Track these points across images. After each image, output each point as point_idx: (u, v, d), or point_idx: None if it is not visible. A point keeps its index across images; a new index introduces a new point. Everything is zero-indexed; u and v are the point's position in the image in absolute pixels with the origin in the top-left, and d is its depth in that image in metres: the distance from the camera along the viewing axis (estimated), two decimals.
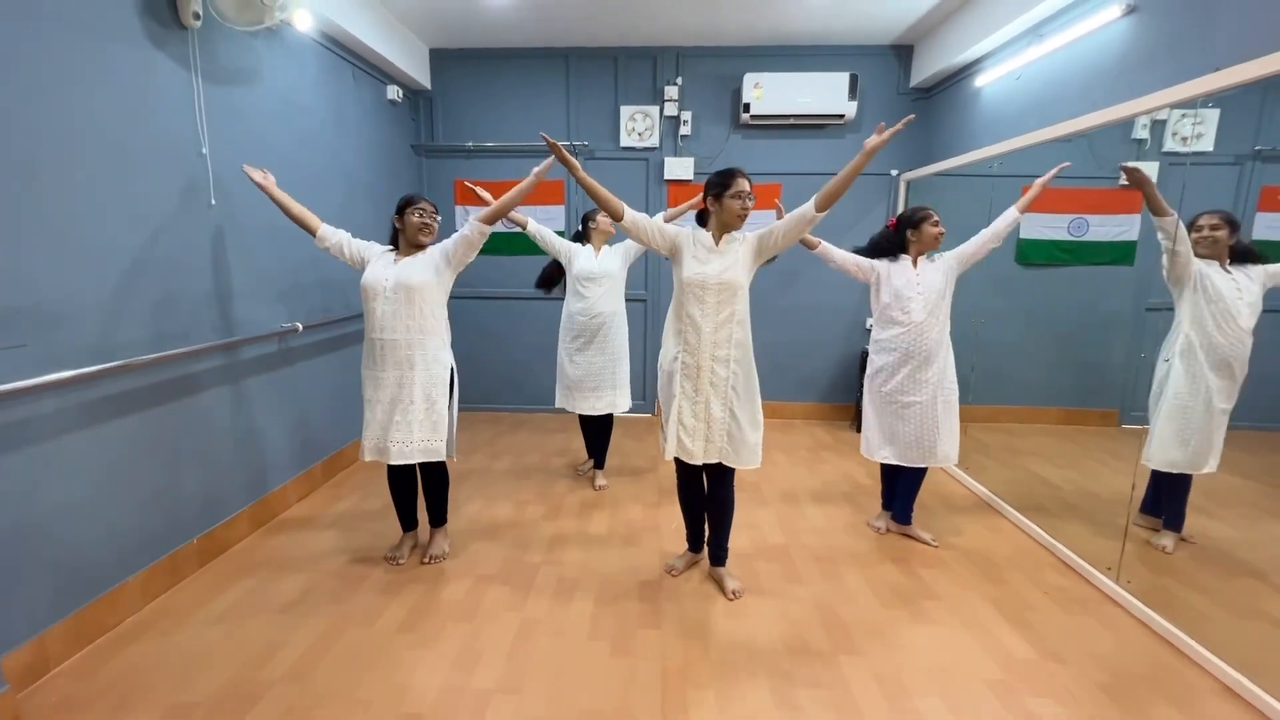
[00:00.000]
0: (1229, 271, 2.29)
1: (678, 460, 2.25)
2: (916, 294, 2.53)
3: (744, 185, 2.10)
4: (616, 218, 2.18)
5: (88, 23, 1.94)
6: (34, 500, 1.80)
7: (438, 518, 2.58)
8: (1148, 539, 2.51)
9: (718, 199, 2.12)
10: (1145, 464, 2.43)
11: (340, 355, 3.45)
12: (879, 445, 2.68)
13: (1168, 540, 2.47)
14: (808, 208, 2.05)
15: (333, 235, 2.41)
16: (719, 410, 2.15)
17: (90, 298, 1.96)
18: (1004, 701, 1.77)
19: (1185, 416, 2.34)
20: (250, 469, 2.75)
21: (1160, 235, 2.33)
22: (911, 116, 2.12)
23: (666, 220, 2.87)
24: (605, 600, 2.27)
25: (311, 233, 2.41)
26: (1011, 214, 2.61)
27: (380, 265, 2.32)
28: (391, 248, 2.40)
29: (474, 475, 3.50)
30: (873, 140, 1.95)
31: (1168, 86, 2.11)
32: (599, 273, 3.11)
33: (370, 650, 1.97)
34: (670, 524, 2.87)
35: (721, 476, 2.26)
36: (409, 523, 2.58)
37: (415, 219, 2.32)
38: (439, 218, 2.40)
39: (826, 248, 2.71)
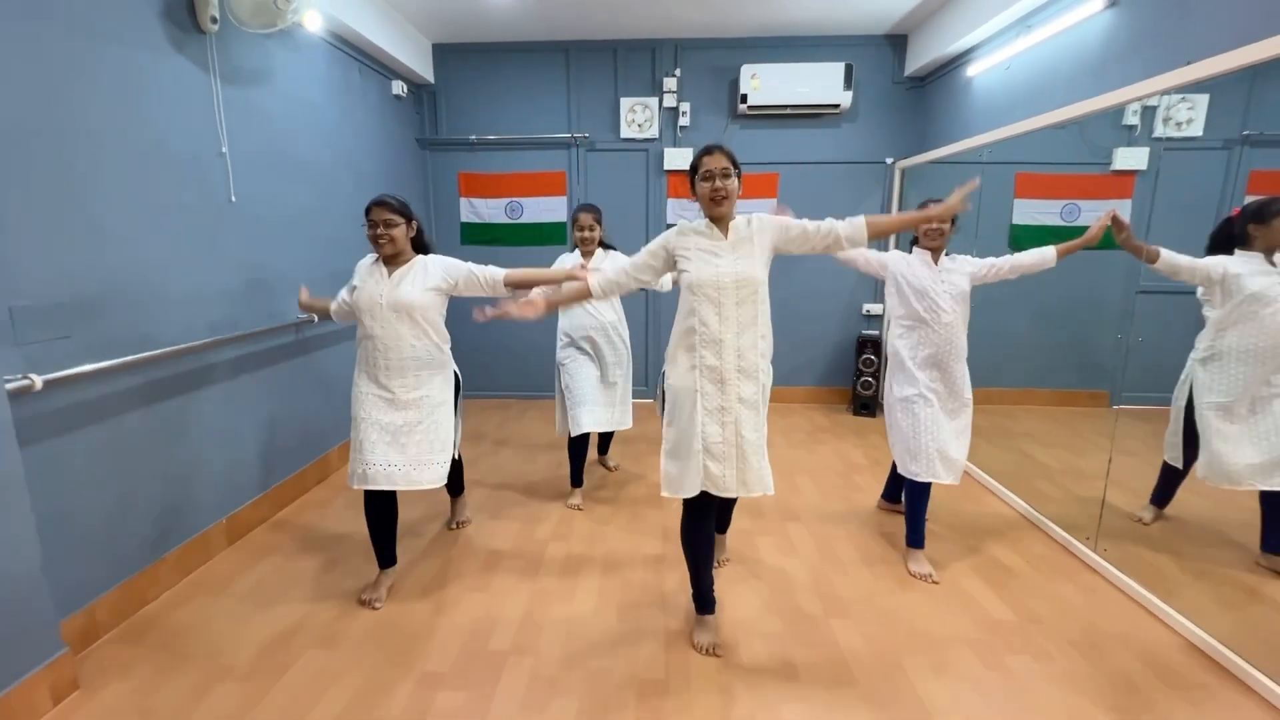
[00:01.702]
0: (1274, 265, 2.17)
1: (689, 500, 1.89)
2: (943, 292, 2.35)
3: (715, 163, 1.78)
4: (585, 297, 1.97)
5: (116, 31, 2.04)
6: (77, 481, 1.94)
7: (457, 489, 2.74)
8: (1130, 512, 2.62)
9: (693, 186, 1.87)
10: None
11: (351, 344, 3.56)
12: (938, 463, 2.35)
13: (1146, 513, 2.60)
14: (858, 229, 1.85)
15: (335, 307, 2.29)
16: (750, 432, 1.83)
17: (124, 291, 2.09)
18: (983, 658, 1.91)
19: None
20: (272, 453, 2.89)
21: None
22: (976, 181, 1.94)
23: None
24: (611, 572, 2.41)
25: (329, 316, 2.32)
26: (1049, 252, 2.46)
27: (371, 281, 2.11)
28: (376, 256, 2.16)
29: (483, 459, 3.64)
30: (946, 207, 1.92)
31: (1148, 77, 2.20)
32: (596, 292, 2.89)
33: (392, 619, 2.12)
34: (673, 501, 3.00)
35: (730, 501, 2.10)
36: (388, 558, 2.27)
37: (367, 233, 2.09)
38: (397, 224, 2.08)
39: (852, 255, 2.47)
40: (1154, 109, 2.99)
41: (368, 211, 2.08)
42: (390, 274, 2.12)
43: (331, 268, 3.34)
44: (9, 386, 1.62)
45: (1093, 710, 1.70)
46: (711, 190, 1.79)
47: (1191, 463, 2.42)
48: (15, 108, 1.73)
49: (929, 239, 2.37)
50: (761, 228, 1.86)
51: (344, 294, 2.25)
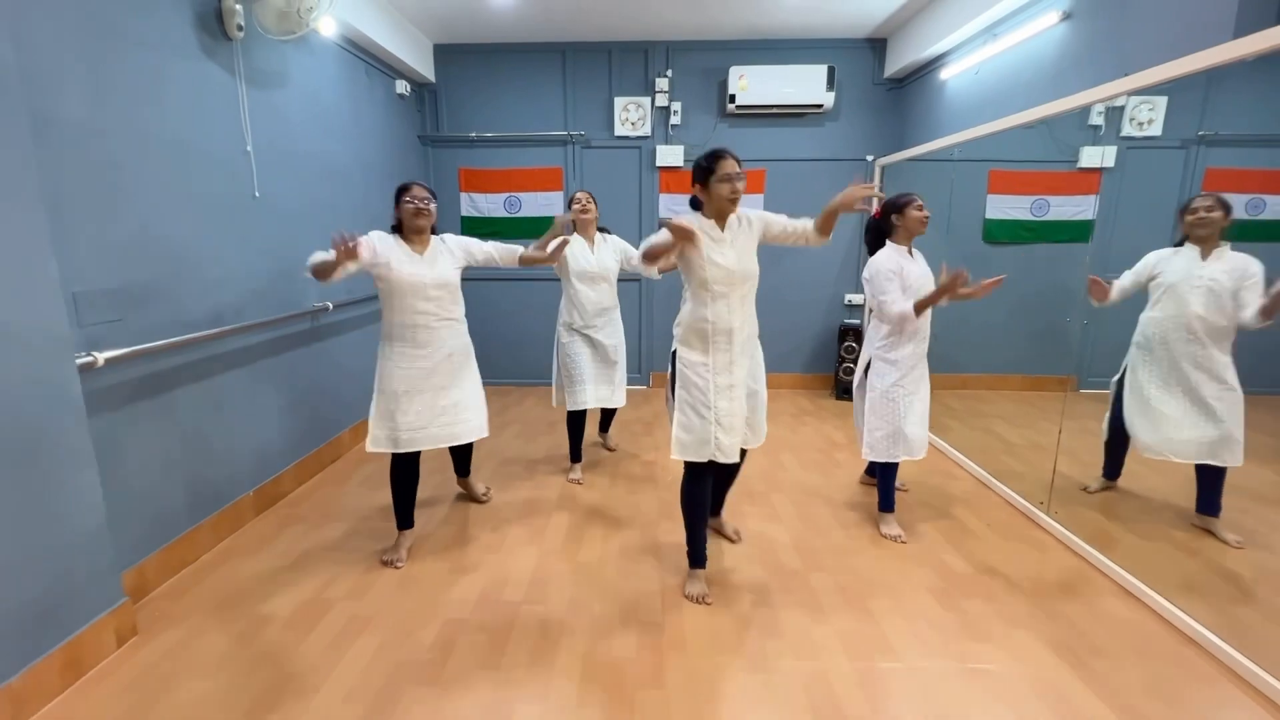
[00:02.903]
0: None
1: (691, 465, 2.14)
2: (924, 284, 2.50)
3: (731, 167, 1.99)
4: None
5: (156, 41, 2.23)
6: (128, 450, 2.14)
7: (467, 469, 2.95)
8: (1082, 482, 2.89)
9: (705, 186, 2.03)
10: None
11: (363, 331, 3.78)
12: (916, 440, 2.56)
13: (1094, 483, 2.86)
14: (814, 233, 2.13)
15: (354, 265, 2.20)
16: (740, 405, 2.13)
17: (165, 279, 2.28)
18: (941, 602, 2.16)
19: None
20: (293, 432, 3.09)
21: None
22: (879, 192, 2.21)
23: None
24: (611, 536, 2.64)
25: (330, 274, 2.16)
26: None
27: (406, 260, 2.27)
28: (395, 234, 2.34)
29: (487, 441, 3.83)
30: (850, 193, 2.03)
31: (1097, 83, 2.43)
32: (597, 271, 3.05)
33: (414, 576, 2.34)
34: (667, 475, 3.25)
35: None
36: (407, 520, 2.49)
37: (410, 207, 2.27)
38: (431, 203, 2.32)
39: None
40: (1119, 110, 3.25)
41: (406, 190, 2.29)
42: (422, 254, 2.33)
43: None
44: (77, 363, 1.82)
45: (1032, 642, 1.95)
46: (731, 190, 2.00)
47: (1120, 439, 2.69)
48: (75, 112, 1.92)
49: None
50: (750, 222, 2.11)
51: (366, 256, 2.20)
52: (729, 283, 2.04)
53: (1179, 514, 2.67)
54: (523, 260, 2.54)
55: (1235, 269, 2.32)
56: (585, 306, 3.07)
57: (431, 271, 2.32)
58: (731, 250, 2.05)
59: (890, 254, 2.52)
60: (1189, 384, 2.43)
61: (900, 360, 2.52)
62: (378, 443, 2.34)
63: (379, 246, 2.27)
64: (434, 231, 2.42)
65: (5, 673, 1.60)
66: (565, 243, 2.53)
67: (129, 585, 2.08)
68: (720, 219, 2.07)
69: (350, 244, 2.03)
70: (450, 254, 2.41)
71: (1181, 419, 2.44)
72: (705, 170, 2.03)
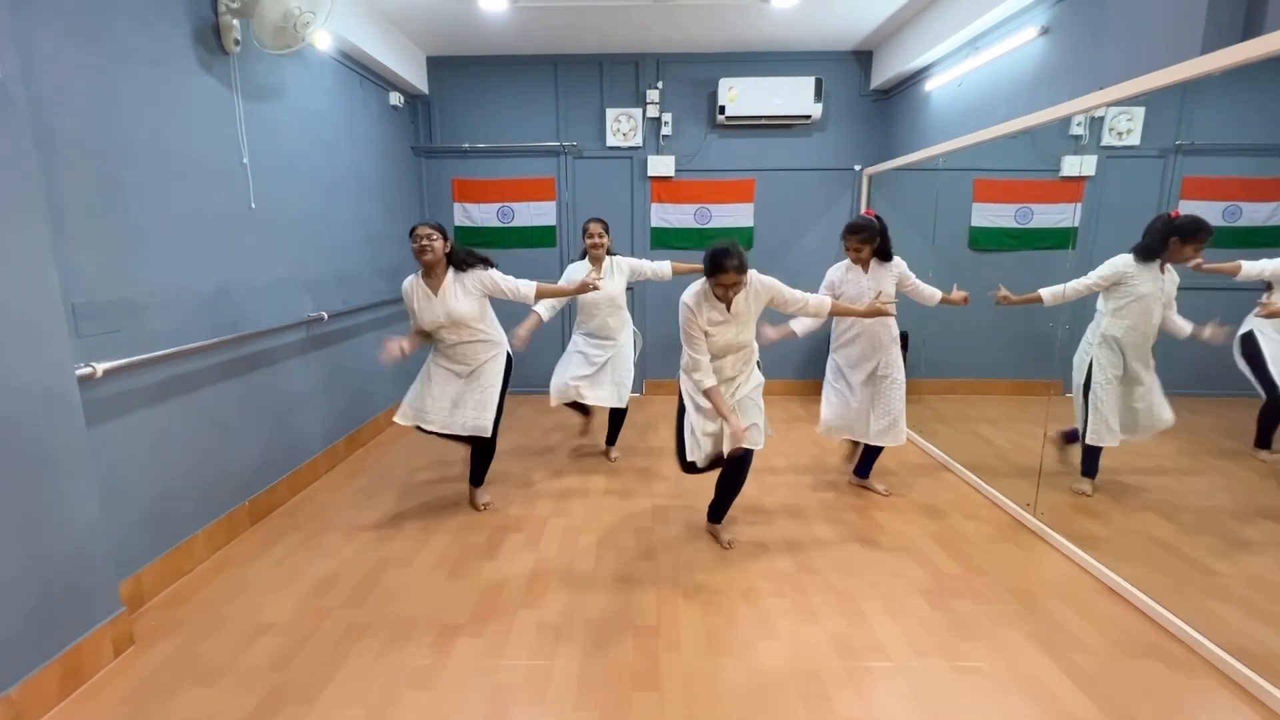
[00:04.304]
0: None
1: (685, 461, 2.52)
2: (869, 291, 2.82)
3: (728, 279, 2.23)
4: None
5: (155, 56, 2.26)
6: (125, 460, 2.15)
7: (480, 478, 2.98)
8: (1071, 485, 2.95)
9: (709, 275, 2.29)
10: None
11: (356, 342, 3.79)
12: (846, 427, 3.02)
13: (1086, 485, 2.92)
14: (823, 308, 2.53)
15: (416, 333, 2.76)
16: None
17: (162, 291, 2.30)
18: (931, 603, 2.20)
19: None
20: (288, 442, 3.10)
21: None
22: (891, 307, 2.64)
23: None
24: (607, 542, 2.66)
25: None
26: (936, 295, 2.96)
27: (425, 303, 2.65)
28: (420, 273, 2.69)
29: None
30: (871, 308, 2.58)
31: (1074, 96, 2.51)
32: (603, 299, 3.27)
33: (411, 583, 2.35)
34: (661, 481, 3.28)
35: (742, 460, 2.50)
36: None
37: (413, 247, 2.60)
38: (436, 238, 2.59)
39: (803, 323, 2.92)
40: (1099, 120, 3.34)
41: (413, 230, 2.61)
42: (436, 292, 2.65)
43: (339, 271, 3.57)
44: (77, 373, 1.83)
45: (1018, 639, 2.00)
46: (724, 294, 2.32)
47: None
48: (75, 125, 1.95)
49: (853, 254, 2.89)
50: (758, 295, 2.41)
51: (412, 324, 2.79)
52: (725, 349, 2.43)
53: (1159, 514, 2.74)
54: (540, 295, 2.85)
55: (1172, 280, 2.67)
56: (591, 327, 3.36)
57: (443, 308, 2.65)
58: (734, 326, 2.40)
59: (838, 267, 2.96)
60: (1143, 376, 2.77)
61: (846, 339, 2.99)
62: (404, 417, 2.74)
63: (405, 298, 2.72)
64: (458, 263, 2.69)
65: (3, 683, 1.61)
66: (587, 286, 2.87)
67: (126, 595, 2.09)
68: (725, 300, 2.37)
69: (399, 350, 2.59)
70: (465, 290, 2.68)
71: (1131, 404, 2.77)
72: (708, 269, 2.28)
